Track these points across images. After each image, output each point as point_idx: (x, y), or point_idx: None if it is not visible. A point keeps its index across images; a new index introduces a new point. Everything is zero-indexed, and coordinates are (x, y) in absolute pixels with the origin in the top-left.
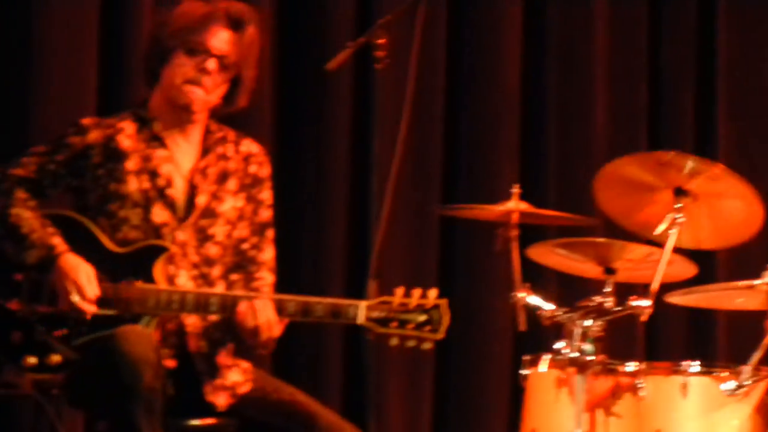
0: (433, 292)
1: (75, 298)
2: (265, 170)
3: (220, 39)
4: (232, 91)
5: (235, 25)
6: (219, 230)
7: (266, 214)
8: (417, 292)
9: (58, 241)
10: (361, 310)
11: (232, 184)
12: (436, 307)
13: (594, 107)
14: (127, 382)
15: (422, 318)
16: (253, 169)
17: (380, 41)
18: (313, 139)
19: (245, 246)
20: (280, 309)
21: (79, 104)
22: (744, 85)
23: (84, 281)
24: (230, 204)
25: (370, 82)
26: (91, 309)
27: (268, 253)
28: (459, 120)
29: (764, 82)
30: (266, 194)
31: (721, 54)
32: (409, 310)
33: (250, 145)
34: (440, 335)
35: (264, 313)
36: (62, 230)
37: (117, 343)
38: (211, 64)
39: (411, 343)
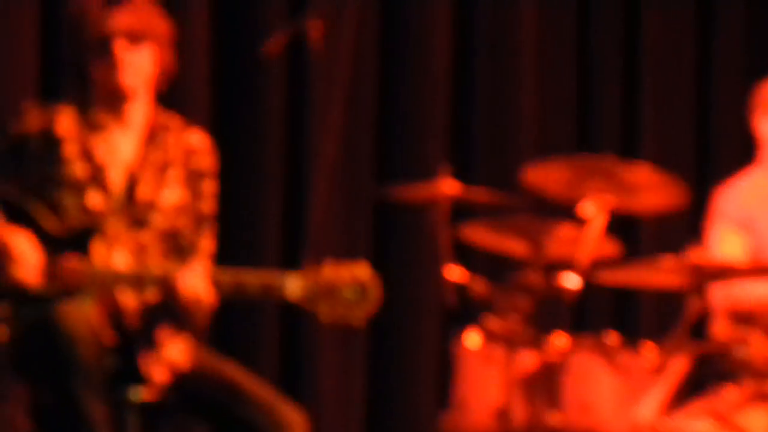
0: (363, 264)
1: (21, 272)
2: (209, 162)
3: (110, 18)
4: (154, 55)
5: None
6: (156, 219)
7: (210, 206)
8: (347, 266)
9: None
10: (290, 283)
11: (173, 174)
12: (366, 280)
13: (521, 95)
14: (66, 358)
15: (353, 291)
16: (196, 160)
17: (314, 26)
18: (250, 122)
19: (186, 235)
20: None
21: (19, 87)
22: (667, 75)
23: (24, 254)
24: (170, 194)
25: (305, 66)
26: (37, 279)
27: (207, 243)
28: (391, 104)
29: (686, 73)
30: (211, 187)
31: (646, 45)
32: (339, 282)
33: (194, 136)
34: (371, 308)
35: (198, 277)
36: None
37: (56, 320)
38: (117, 44)
39: (342, 318)
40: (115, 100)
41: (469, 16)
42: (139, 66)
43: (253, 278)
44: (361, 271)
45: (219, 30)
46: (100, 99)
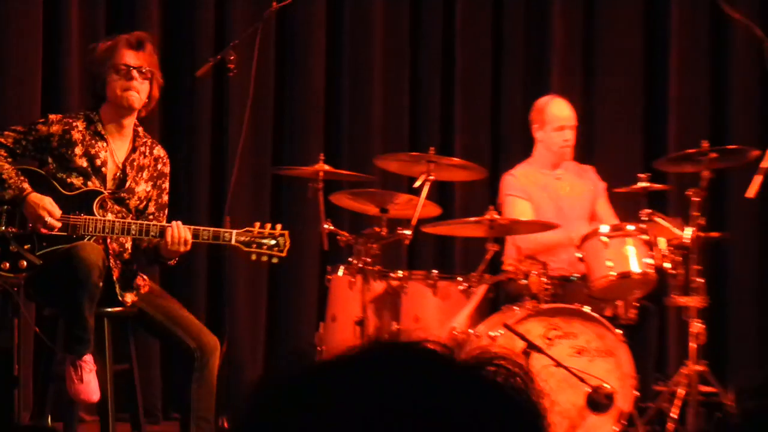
0: (279, 226)
1: (48, 219)
2: (167, 168)
3: (131, 56)
4: (150, 88)
5: (137, 45)
6: (132, 202)
7: (166, 198)
8: (268, 225)
9: (26, 186)
10: (233, 235)
11: (145, 174)
12: (282, 235)
13: (372, 103)
14: (81, 278)
15: (272, 242)
16: (160, 166)
17: (231, 57)
18: (187, 123)
19: (151, 218)
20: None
21: (29, 104)
22: (473, 88)
23: (50, 207)
24: (143, 187)
25: (225, 85)
26: (59, 224)
27: (164, 221)
28: (283, 110)
29: (484, 90)
30: (167, 184)
31: (458, 69)
32: (264, 236)
33: (159, 150)
34: (284, 254)
35: (184, 228)
36: (29, 178)
37: (77, 251)
38: (134, 72)
39: (264, 258)
40: (120, 111)
41: (337, 47)
42: (142, 91)
43: (206, 231)
44: (278, 229)
45: (165, 59)
46: (109, 111)
